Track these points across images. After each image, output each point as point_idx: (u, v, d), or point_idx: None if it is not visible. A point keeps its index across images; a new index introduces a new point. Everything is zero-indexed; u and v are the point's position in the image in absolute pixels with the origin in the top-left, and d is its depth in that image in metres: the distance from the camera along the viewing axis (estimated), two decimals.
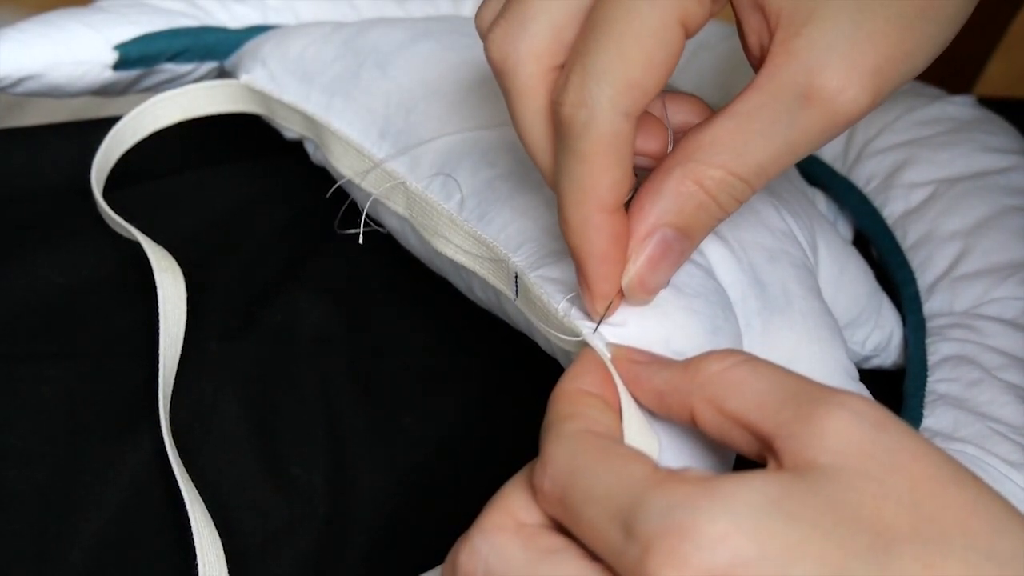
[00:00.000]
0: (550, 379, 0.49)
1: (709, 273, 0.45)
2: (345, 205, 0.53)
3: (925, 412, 0.51)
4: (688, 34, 0.38)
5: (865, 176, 0.63)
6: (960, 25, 0.40)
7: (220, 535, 0.48)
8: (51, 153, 0.62)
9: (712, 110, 0.42)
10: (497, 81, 0.41)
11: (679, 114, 0.43)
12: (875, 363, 0.58)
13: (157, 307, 0.53)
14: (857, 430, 0.34)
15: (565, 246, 0.43)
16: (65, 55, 0.59)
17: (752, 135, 0.39)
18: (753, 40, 0.40)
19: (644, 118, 0.41)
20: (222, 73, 0.64)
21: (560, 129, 0.39)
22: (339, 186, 0.57)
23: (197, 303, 0.55)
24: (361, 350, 0.56)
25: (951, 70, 0.84)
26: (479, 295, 0.51)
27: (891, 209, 0.61)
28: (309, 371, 0.55)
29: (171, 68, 0.62)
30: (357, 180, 0.54)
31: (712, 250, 0.46)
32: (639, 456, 0.35)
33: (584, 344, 0.42)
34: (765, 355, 0.45)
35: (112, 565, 0.49)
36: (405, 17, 0.63)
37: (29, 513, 0.50)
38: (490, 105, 0.52)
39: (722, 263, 0.46)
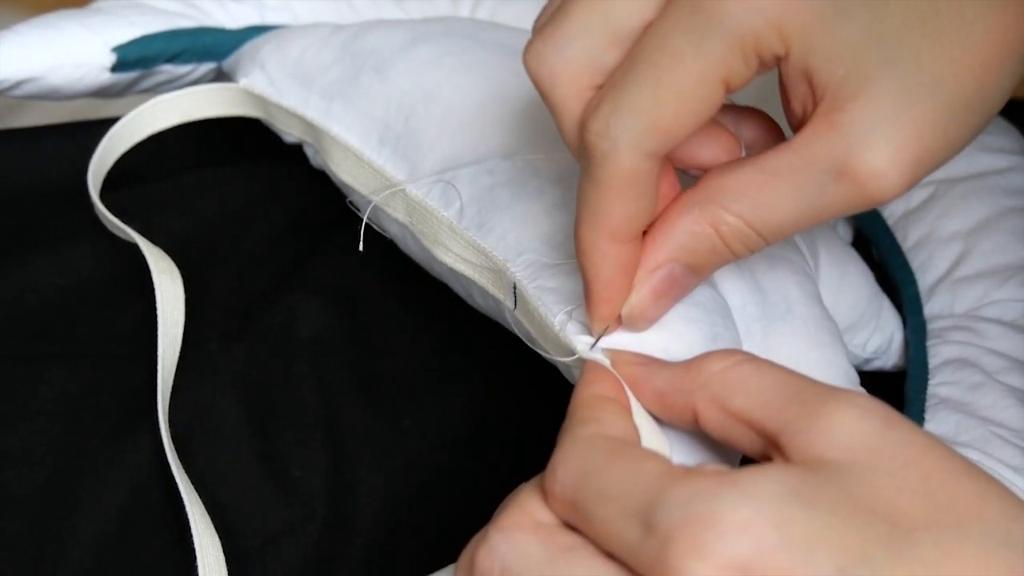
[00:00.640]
0: (549, 381, 0.49)
1: (708, 281, 0.45)
2: (366, 213, 0.53)
3: (927, 416, 0.51)
4: (729, 91, 0.38)
5: None
6: (995, 115, 0.41)
7: (219, 536, 0.49)
8: (51, 153, 0.62)
9: (779, 129, 0.43)
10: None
11: (746, 128, 0.43)
12: (876, 365, 0.58)
13: (156, 308, 0.53)
14: (866, 426, 0.34)
15: (564, 256, 0.43)
16: (63, 57, 0.59)
17: (778, 194, 0.39)
18: (796, 106, 0.40)
19: (712, 127, 0.41)
20: (220, 74, 0.64)
21: (583, 152, 0.39)
22: (343, 194, 0.57)
23: (196, 304, 0.55)
24: (360, 351, 0.56)
25: None
26: (479, 302, 0.51)
27: (891, 209, 0.61)
28: (308, 372, 0.55)
29: (169, 69, 0.62)
30: (358, 187, 0.54)
31: None
32: (653, 455, 0.36)
33: (578, 361, 0.42)
34: None
35: (111, 566, 0.49)
36: (404, 18, 0.62)
37: (28, 514, 0.50)
38: (489, 111, 0.51)
39: (722, 270, 0.46)
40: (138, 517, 0.50)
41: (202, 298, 0.55)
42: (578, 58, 0.39)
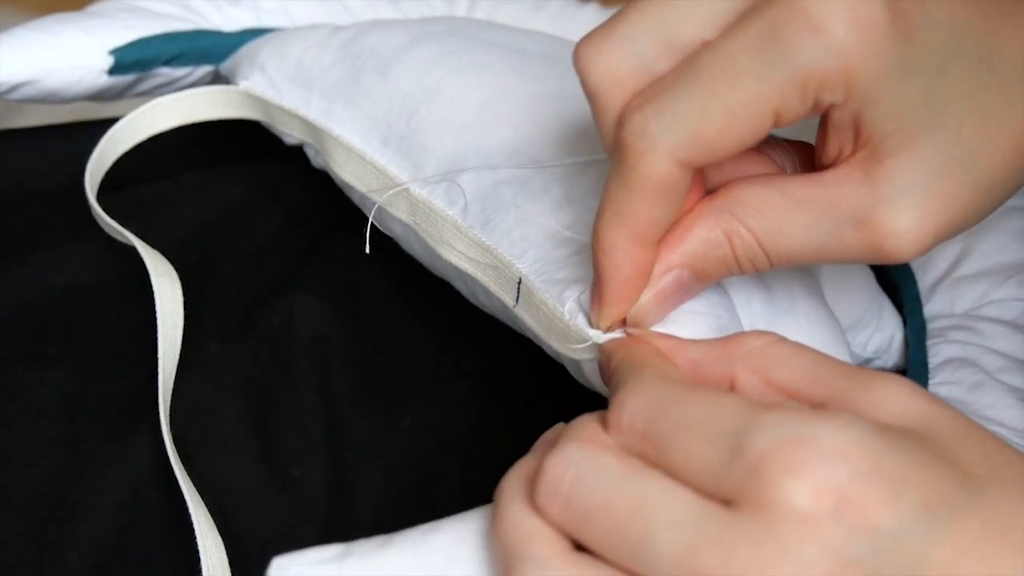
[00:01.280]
0: (552, 381, 0.49)
1: None
2: (371, 214, 0.53)
3: None
4: (778, 124, 0.38)
5: None
6: (1009, 199, 0.41)
7: (220, 537, 0.49)
8: (51, 154, 0.63)
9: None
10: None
11: (788, 159, 0.43)
12: (876, 365, 0.58)
13: (155, 310, 0.53)
14: (918, 400, 0.35)
15: (569, 252, 0.42)
16: (60, 61, 0.59)
17: (794, 222, 0.39)
18: (834, 145, 0.40)
19: (758, 156, 0.42)
20: (218, 76, 0.64)
21: (616, 148, 0.39)
22: (344, 194, 0.57)
23: (197, 305, 0.55)
24: (360, 351, 0.56)
25: None
26: (484, 301, 0.51)
27: None
28: (308, 373, 0.55)
29: (167, 72, 0.62)
30: (361, 188, 0.54)
31: None
32: (728, 391, 0.36)
33: (590, 349, 0.42)
34: None
35: (111, 567, 0.49)
36: (401, 18, 0.62)
37: (28, 515, 0.50)
38: (490, 111, 0.51)
39: None
40: (138, 518, 0.50)
41: (202, 299, 0.55)
42: (630, 61, 0.39)
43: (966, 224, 0.40)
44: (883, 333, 0.56)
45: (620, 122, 0.38)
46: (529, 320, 0.46)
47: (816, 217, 0.39)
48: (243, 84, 0.59)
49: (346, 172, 0.54)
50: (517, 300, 0.46)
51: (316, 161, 0.59)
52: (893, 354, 0.58)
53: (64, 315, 0.56)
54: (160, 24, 0.61)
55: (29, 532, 0.49)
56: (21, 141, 0.64)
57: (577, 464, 0.35)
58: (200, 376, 0.54)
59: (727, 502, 0.33)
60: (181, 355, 0.54)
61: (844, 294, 0.54)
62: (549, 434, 0.40)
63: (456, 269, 0.50)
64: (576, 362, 0.44)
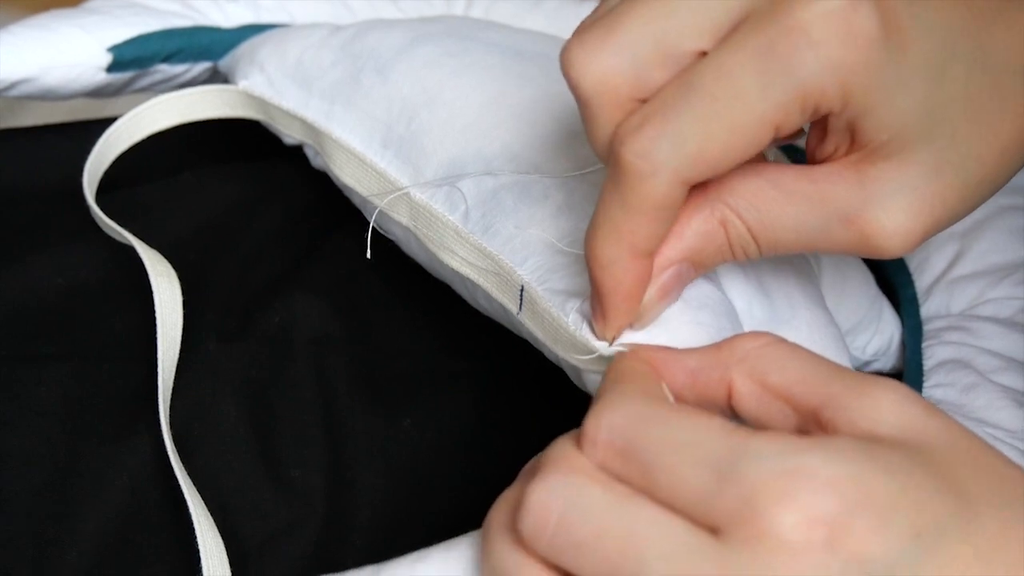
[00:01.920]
0: (551, 383, 0.49)
1: (715, 284, 0.45)
2: (372, 219, 0.52)
3: None
4: (777, 136, 0.38)
5: None
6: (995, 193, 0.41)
7: (220, 536, 0.48)
8: (50, 153, 0.62)
9: None
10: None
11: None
12: (875, 367, 0.58)
13: (155, 310, 0.53)
14: (912, 408, 0.35)
15: (571, 259, 0.42)
16: (59, 58, 0.59)
17: (784, 215, 0.39)
18: (829, 147, 0.40)
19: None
20: (216, 73, 0.64)
21: (614, 167, 0.38)
22: (343, 194, 0.56)
23: (196, 304, 0.55)
24: (360, 351, 0.56)
25: None
26: (484, 305, 0.51)
27: None
28: (308, 372, 0.55)
29: (165, 69, 0.62)
30: (361, 190, 0.54)
31: None
32: (714, 414, 0.36)
33: (596, 360, 0.42)
34: None
35: (111, 566, 0.49)
36: (401, 17, 0.62)
37: (28, 514, 0.50)
38: (491, 114, 0.51)
39: (728, 274, 0.46)
40: (137, 517, 0.50)
41: (201, 298, 0.55)
42: (625, 68, 0.38)
43: (952, 221, 0.40)
44: (882, 336, 0.57)
45: (619, 139, 0.38)
46: (533, 327, 0.46)
47: (805, 211, 0.39)
48: (242, 83, 0.58)
49: (346, 174, 0.54)
50: (520, 307, 0.46)
51: (316, 162, 0.59)
52: (892, 356, 0.58)
53: (63, 315, 0.56)
54: (158, 21, 0.61)
55: (29, 531, 0.49)
56: (20, 140, 0.64)
57: (563, 496, 0.35)
58: (199, 375, 0.54)
59: (715, 529, 0.33)
60: (180, 354, 0.53)
61: (844, 298, 0.54)
62: (533, 463, 0.39)
63: (457, 273, 0.50)
64: (576, 368, 0.44)
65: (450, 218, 0.49)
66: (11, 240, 0.58)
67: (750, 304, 0.46)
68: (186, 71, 0.63)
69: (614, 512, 0.34)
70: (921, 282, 0.58)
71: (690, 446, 0.34)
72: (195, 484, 0.49)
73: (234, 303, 0.57)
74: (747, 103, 0.37)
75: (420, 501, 0.52)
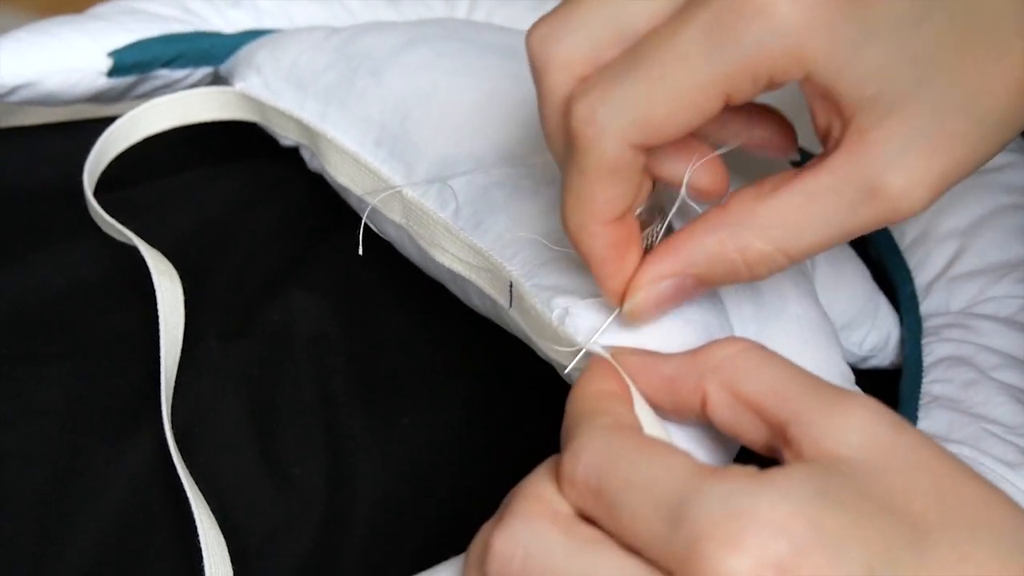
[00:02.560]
0: (548, 380, 0.49)
1: None
2: (364, 216, 0.53)
3: (920, 414, 0.51)
4: (730, 104, 0.38)
5: None
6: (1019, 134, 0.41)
7: (222, 534, 0.49)
8: (50, 153, 0.63)
9: (792, 129, 0.43)
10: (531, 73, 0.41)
11: (757, 129, 0.43)
12: (873, 363, 0.58)
13: (155, 307, 0.53)
14: (878, 427, 0.34)
15: (559, 254, 0.42)
16: (59, 63, 0.59)
17: (813, 217, 0.39)
18: (821, 121, 0.40)
19: (694, 146, 0.41)
20: (217, 78, 0.64)
21: (567, 137, 0.39)
22: (341, 196, 0.57)
23: (196, 303, 0.55)
24: (359, 350, 0.56)
25: None
26: (476, 303, 0.51)
27: None
28: (308, 371, 0.55)
29: (166, 74, 0.62)
30: (355, 189, 0.54)
31: None
32: (678, 450, 0.35)
33: (578, 355, 0.42)
34: None
35: (112, 564, 0.49)
36: (399, 20, 0.62)
37: (29, 513, 0.50)
38: (483, 112, 0.51)
39: None
40: (138, 516, 0.50)
41: (201, 297, 0.55)
42: (579, 47, 0.39)
43: (976, 164, 0.39)
44: (879, 331, 0.56)
45: (568, 108, 0.38)
46: (521, 322, 0.46)
47: (832, 205, 0.38)
48: (239, 85, 0.59)
49: (341, 174, 0.54)
50: (511, 303, 0.46)
51: (312, 164, 0.59)
52: (890, 352, 0.57)
53: (63, 313, 0.56)
54: (160, 26, 0.61)
55: (30, 530, 0.49)
56: (19, 140, 0.64)
57: (525, 543, 0.35)
58: (199, 373, 0.54)
59: (669, 573, 0.33)
60: (180, 353, 0.54)
61: (838, 293, 0.54)
62: (508, 498, 0.39)
63: (449, 272, 0.50)
64: (564, 365, 0.44)
65: (441, 215, 0.49)
66: (11, 239, 0.58)
67: (739, 300, 0.46)
68: (187, 76, 0.63)
69: (574, 558, 0.35)
70: (920, 279, 0.58)
71: (650, 487, 0.34)
72: (196, 482, 0.49)
73: (233, 302, 0.57)
74: (692, 70, 0.37)
75: (419, 498, 0.52)
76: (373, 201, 0.52)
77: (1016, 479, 0.47)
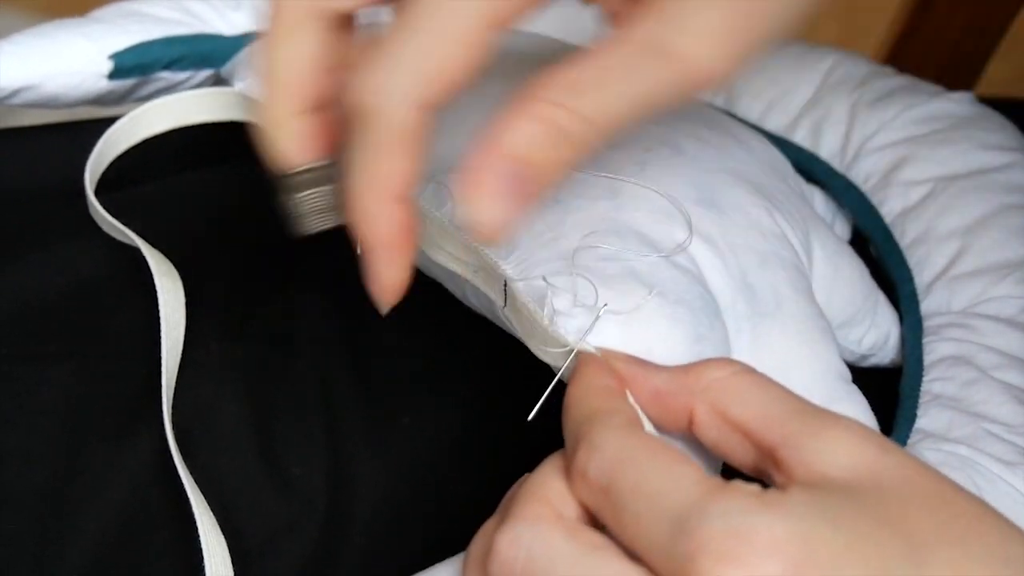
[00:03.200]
0: (545, 379, 0.49)
1: (696, 279, 0.45)
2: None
3: (919, 412, 0.51)
4: (503, 28, 0.37)
5: (863, 173, 0.63)
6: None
7: (223, 534, 0.49)
8: (50, 153, 0.63)
9: None
10: None
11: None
12: (872, 362, 0.58)
13: (156, 307, 0.53)
14: (866, 448, 0.35)
15: (551, 254, 0.42)
16: (60, 65, 0.59)
17: (610, 84, 0.37)
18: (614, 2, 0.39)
19: None
20: (218, 80, 0.64)
21: (353, 119, 0.38)
22: None
23: (196, 304, 0.55)
24: (360, 350, 0.56)
25: (951, 70, 0.84)
26: (473, 301, 0.51)
27: (889, 207, 0.61)
28: (308, 371, 0.55)
29: (167, 76, 0.62)
30: None
31: (701, 255, 0.46)
32: (688, 459, 0.35)
33: (569, 354, 0.42)
34: (757, 359, 0.45)
35: (112, 565, 0.49)
36: None
37: (29, 513, 0.50)
38: (478, 111, 0.51)
39: (711, 268, 0.46)
40: (138, 516, 0.50)
41: (202, 297, 0.56)
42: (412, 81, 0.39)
43: (776, 27, 0.37)
44: (878, 329, 0.56)
45: (349, 85, 0.38)
46: (514, 322, 0.46)
47: (626, 70, 0.37)
48: (239, 86, 0.59)
49: None
50: (505, 302, 0.46)
51: None
52: (890, 351, 0.57)
53: (64, 313, 0.56)
54: (161, 29, 0.62)
55: (30, 529, 0.49)
56: (20, 141, 0.64)
57: (528, 546, 0.35)
58: (199, 375, 0.54)
59: None
60: (181, 353, 0.54)
61: (837, 291, 0.54)
62: (514, 490, 0.40)
63: (446, 271, 0.50)
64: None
65: (436, 214, 0.49)
66: (11, 239, 0.59)
67: (734, 299, 0.46)
68: (188, 78, 0.63)
69: (576, 563, 0.35)
70: (921, 279, 0.58)
71: (658, 495, 0.34)
72: (196, 482, 0.50)
73: (234, 302, 0.57)
74: (444, 9, 0.36)
75: (420, 498, 0.52)
76: None
77: (1013, 478, 0.47)
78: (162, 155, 0.62)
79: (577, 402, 0.39)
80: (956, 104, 0.64)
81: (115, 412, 0.53)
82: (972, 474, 0.46)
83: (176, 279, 0.55)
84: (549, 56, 0.55)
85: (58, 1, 0.68)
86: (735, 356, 0.45)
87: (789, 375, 0.46)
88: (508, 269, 0.46)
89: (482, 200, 0.37)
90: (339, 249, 0.59)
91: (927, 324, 0.56)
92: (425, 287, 0.55)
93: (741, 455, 0.37)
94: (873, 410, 0.49)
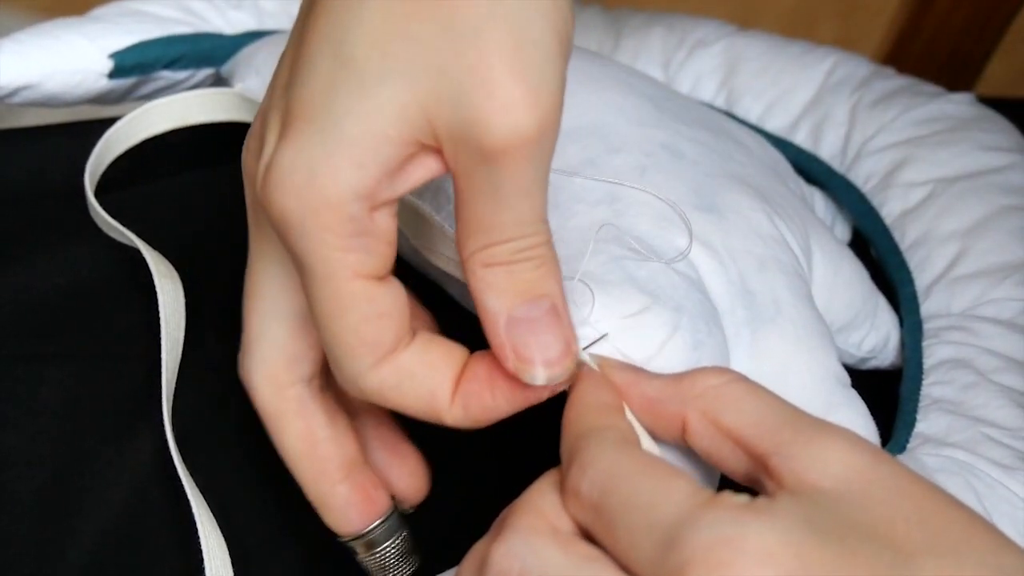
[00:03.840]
0: None
1: (696, 285, 0.45)
2: None
3: (918, 416, 0.51)
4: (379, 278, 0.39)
5: (864, 175, 0.63)
6: None
7: (223, 536, 0.49)
8: (50, 153, 0.63)
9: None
10: None
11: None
12: (872, 364, 0.57)
13: (156, 307, 0.53)
14: (858, 457, 0.35)
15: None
16: (61, 64, 0.59)
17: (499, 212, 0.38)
18: None
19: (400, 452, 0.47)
20: (218, 79, 0.64)
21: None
22: None
23: (196, 304, 0.55)
24: None
25: (951, 70, 0.84)
26: (471, 305, 0.51)
27: (889, 208, 0.61)
28: None
29: (167, 75, 0.63)
30: None
31: (701, 261, 0.46)
32: (681, 473, 0.36)
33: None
34: (756, 365, 0.45)
35: (111, 565, 0.49)
36: None
37: (29, 514, 0.50)
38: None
39: (711, 274, 0.46)
40: (139, 517, 0.50)
41: (201, 297, 0.56)
42: (277, 359, 0.44)
43: None
44: (878, 332, 0.56)
45: None
46: None
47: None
48: (238, 87, 0.59)
49: None
50: None
51: None
52: (890, 354, 0.57)
53: (63, 313, 0.56)
54: (161, 28, 0.62)
55: (30, 531, 0.49)
56: (20, 140, 0.64)
57: (523, 558, 0.35)
58: (199, 375, 0.54)
59: None
60: (181, 353, 0.54)
61: (836, 293, 0.54)
62: (506, 512, 0.39)
63: (445, 273, 0.50)
64: None
65: (436, 217, 0.49)
66: (12, 239, 0.59)
67: (733, 305, 0.46)
68: (189, 77, 0.63)
69: (569, 574, 0.35)
70: (921, 281, 0.58)
71: (649, 510, 0.34)
72: (196, 483, 0.50)
73: (233, 302, 0.57)
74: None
75: (421, 504, 0.52)
76: None
77: (1011, 483, 0.47)
78: (162, 155, 0.62)
79: (573, 420, 0.39)
80: (957, 105, 0.64)
81: (115, 412, 0.53)
82: (970, 479, 0.46)
83: (176, 279, 0.55)
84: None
85: (59, 0, 0.68)
86: (734, 362, 0.45)
87: (788, 381, 0.46)
88: None
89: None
90: None
91: (927, 327, 0.56)
92: (423, 288, 0.55)
93: (734, 463, 0.37)
94: (873, 413, 0.49)
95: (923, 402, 0.52)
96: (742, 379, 0.38)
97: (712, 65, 0.68)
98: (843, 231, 0.63)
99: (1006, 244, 0.57)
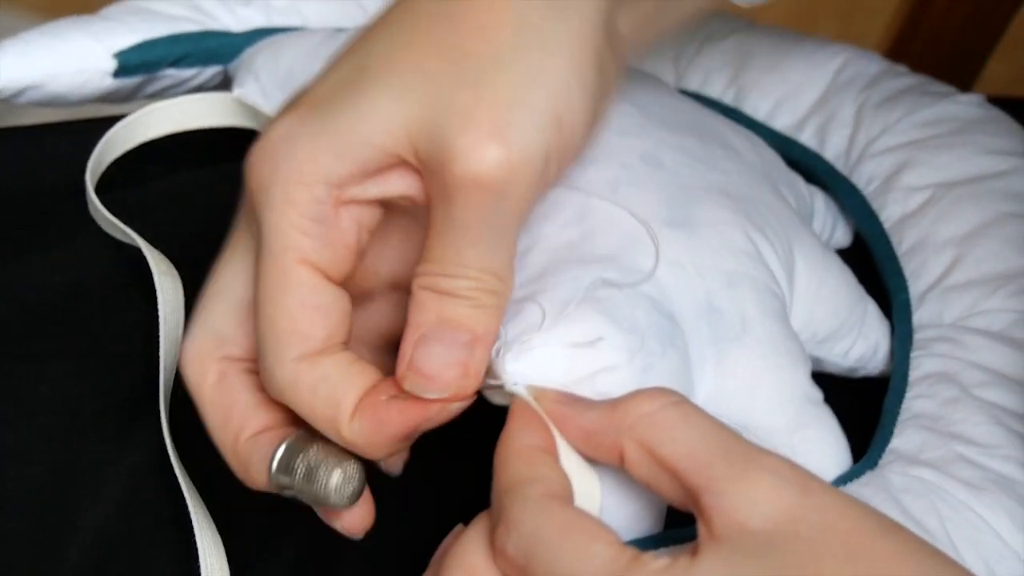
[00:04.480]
0: None
1: (656, 305, 0.45)
2: None
3: (895, 431, 0.50)
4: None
5: (866, 177, 0.62)
6: None
7: (219, 535, 0.49)
8: (50, 152, 0.63)
9: None
10: None
11: None
12: (861, 374, 0.57)
13: (155, 306, 0.54)
14: (785, 494, 0.35)
15: (518, 280, 0.43)
16: (65, 64, 0.59)
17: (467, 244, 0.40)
18: None
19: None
20: (226, 77, 0.64)
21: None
22: None
23: (194, 304, 0.55)
24: None
25: (950, 70, 0.83)
26: None
27: (889, 213, 0.60)
28: None
29: (173, 74, 0.62)
30: None
31: (667, 280, 0.46)
32: (603, 533, 0.36)
33: (500, 392, 0.42)
34: (722, 383, 0.45)
35: (111, 564, 0.50)
36: None
37: (28, 512, 0.50)
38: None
39: (676, 292, 0.46)
40: (137, 515, 0.51)
41: (199, 297, 0.56)
42: (211, 341, 0.44)
43: None
44: (866, 341, 0.55)
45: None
46: None
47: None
48: (236, 91, 0.59)
49: None
50: None
51: None
52: (879, 363, 0.56)
53: (63, 313, 0.56)
54: (168, 26, 0.62)
55: (28, 529, 0.50)
56: (20, 140, 0.64)
57: None
58: None
59: None
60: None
61: (820, 303, 0.53)
62: (439, 554, 0.41)
63: None
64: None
65: None
66: (11, 239, 0.59)
67: (698, 323, 0.46)
68: (195, 75, 0.63)
69: None
70: (915, 288, 0.57)
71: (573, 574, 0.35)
72: (194, 482, 0.50)
73: None
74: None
75: (418, 498, 0.52)
76: None
77: (977, 505, 0.46)
78: (162, 155, 0.62)
79: (502, 465, 0.40)
80: (963, 106, 0.63)
81: (114, 412, 0.53)
82: (936, 501, 0.46)
83: (176, 279, 0.55)
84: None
85: (62, 2, 0.69)
86: (700, 381, 0.45)
87: (755, 398, 0.46)
88: None
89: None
90: None
91: (917, 337, 0.55)
92: None
93: (671, 493, 0.37)
94: (862, 425, 0.49)
95: (903, 416, 0.51)
96: (677, 403, 0.38)
97: (722, 61, 0.67)
98: (844, 234, 0.62)
99: (1000, 252, 0.56)
